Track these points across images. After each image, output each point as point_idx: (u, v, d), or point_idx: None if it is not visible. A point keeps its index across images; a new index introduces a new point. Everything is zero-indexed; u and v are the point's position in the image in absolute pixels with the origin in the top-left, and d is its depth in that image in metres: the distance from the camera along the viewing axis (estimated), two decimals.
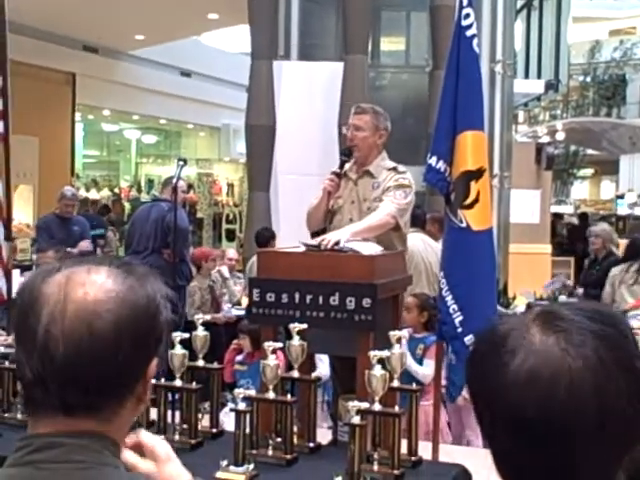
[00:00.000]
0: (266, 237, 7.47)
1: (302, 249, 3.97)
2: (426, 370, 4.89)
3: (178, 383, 3.51)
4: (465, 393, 4.76)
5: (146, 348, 1.17)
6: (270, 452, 3.30)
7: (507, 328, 1.08)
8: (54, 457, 1.10)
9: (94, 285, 1.13)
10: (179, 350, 3.46)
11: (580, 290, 8.02)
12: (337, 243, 3.79)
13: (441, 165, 3.99)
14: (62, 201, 8.55)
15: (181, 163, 6.38)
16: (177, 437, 3.48)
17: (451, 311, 3.94)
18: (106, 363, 1.11)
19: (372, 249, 3.86)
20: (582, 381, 1.01)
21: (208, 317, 3.97)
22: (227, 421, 3.74)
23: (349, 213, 4.47)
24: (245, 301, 7.36)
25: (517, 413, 1.03)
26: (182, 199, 7.50)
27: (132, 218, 8.26)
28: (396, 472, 3.07)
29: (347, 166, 4.55)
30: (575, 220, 17.61)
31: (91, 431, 1.13)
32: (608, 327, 1.06)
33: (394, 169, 4.47)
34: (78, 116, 18.88)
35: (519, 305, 8.10)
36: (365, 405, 3.03)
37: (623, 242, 8.10)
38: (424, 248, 6.26)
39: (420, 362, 5.02)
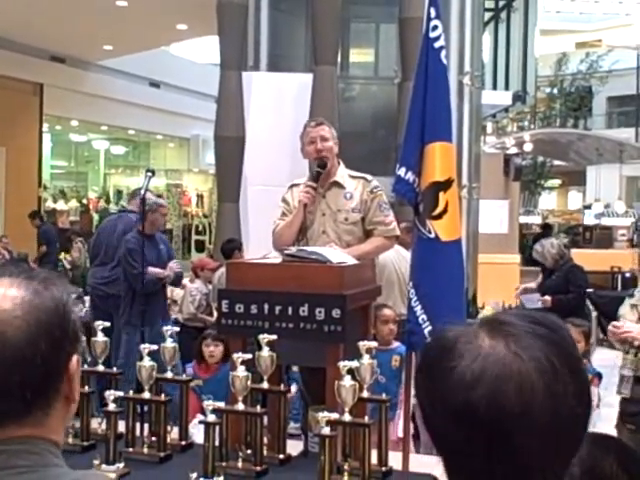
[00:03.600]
0: (230, 248, 7.45)
1: (273, 260, 3.97)
2: None
3: (146, 395, 3.49)
4: None
5: (62, 347, 1.17)
6: (240, 464, 3.28)
7: (455, 335, 1.10)
8: None
9: (1, 295, 1.15)
10: (147, 362, 3.43)
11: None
12: None
13: (410, 176, 4.00)
14: (157, 212, 6.87)
15: (149, 174, 6.34)
16: (146, 450, 3.45)
17: (420, 321, 3.94)
18: (24, 369, 1.12)
19: (341, 257, 3.87)
20: (533, 382, 1.02)
21: (177, 328, 3.93)
22: (196, 433, 3.71)
23: (321, 225, 4.49)
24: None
25: (467, 413, 1.03)
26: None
27: (98, 229, 8.18)
28: None
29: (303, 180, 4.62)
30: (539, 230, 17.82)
31: (28, 435, 1.14)
32: (552, 332, 1.08)
33: (363, 178, 4.58)
34: (46, 126, 18.74)
35: (487, 315, 8.14)
36: (335, 416, 3.02)
37: (587, 251, 8.18)
38: (397, 258, 6.26)
39: (396, 374, 5.00)
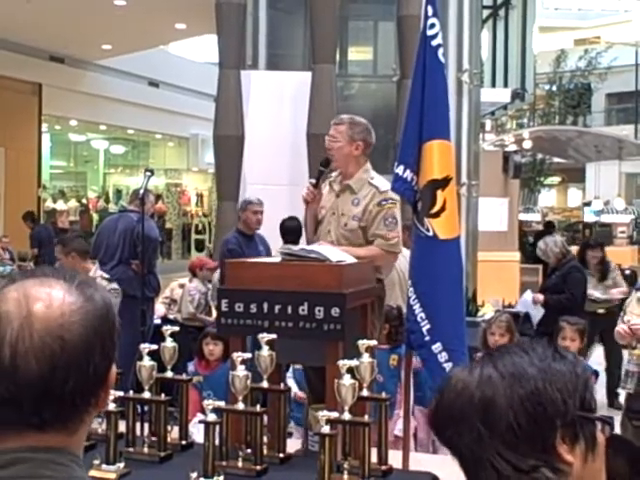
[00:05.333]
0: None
1: (273, 259, 3.98)
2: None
3: (147, 395, 3.49)
4: None
5: (109, 355, 1.17)
6: (240, 463, 3.28)
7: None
8: (20, 472, 1.08)
9: (56, 299, 1.12)
10: (147, 362, 3.44)
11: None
12: None
13: (408, 174, 4.01)
14: (247, 210, 6.78)
15: (148, 174, 6.34)
16: (146, 450, 3.45)
17: (419, 319, 3.95)
18: (78, 375, 1.11)
19: (339, 255, 3.87)
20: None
21: (176, 328, 3.93)
22: (196, 432, 3.71)
23: (328, 224, 4.54)
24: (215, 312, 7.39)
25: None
26: (151, 209, 7.44)
27: (98, 229, 8.18)
28: None
29: (333, 176, 4.61)
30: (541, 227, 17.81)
31: (56, 446, 1.12)
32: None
33: (376, 188, 4.45)
34: (45, 126, 18.76)
35: (487, 313, 8.14)
36: (335, 415, 3.03)
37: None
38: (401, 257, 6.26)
39: (394, 373, 4.99)
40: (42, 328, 1.09)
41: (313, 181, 4.55)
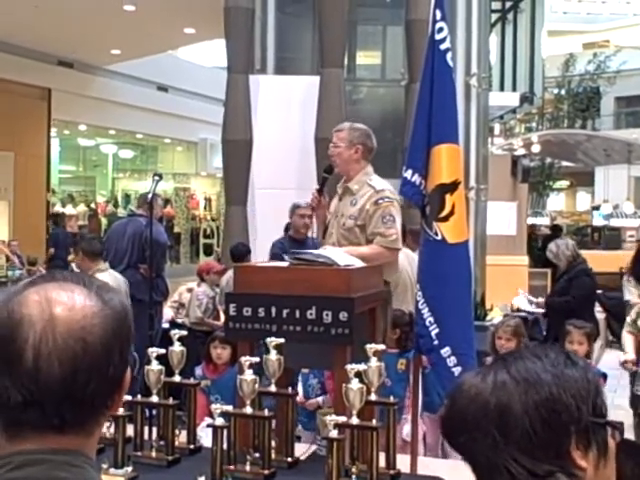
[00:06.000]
0: (242, 252, 7.46)
1: (281, 263, 3.99)
2: None
3: (155, 399, 3.49)
4: None
5: (126, 358, 1.19)
6: (248, 467, 3.28)
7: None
8: (36, 473, 1.09)
9: (77, 302, 1.14)
10: (155, 366, 3.44)
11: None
12: None
13: (416, 178, 4.01)
14: (295, 214, 6.71)
15: (157, 178, 6.35)
16: (154, 454, 3.45)
17: (427, 324, 3.94)
18: (99, 378, 1.13)
19: (348, 260, 3.87)
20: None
21: (184, 332, 3.93)
22: (204, 437, 3.71)
23: (332, 227, 4.67)
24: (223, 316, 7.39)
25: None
26: (160, 213, 7.45)
27: (107, 233, 8.21)
28: None
29: (341, 182, 4.74)
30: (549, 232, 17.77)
31: (72, 448, 1.13)
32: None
33: (373, 188, 4.56)
34: (54, 131, 18.81)
35: (495, 317, 8.12)
36: (343, 419, 3.02)
37: (595, 252, 8.14)
38: (409, 263, 6.28)
39: (402, 377, 4.98)
40: (65, 331, 1.11)
41: (319, 188, 4.72)
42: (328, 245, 4.50)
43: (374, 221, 4.50)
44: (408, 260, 6.30)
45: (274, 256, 6.40)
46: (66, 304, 1.13)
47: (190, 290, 7.96)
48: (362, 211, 4.52)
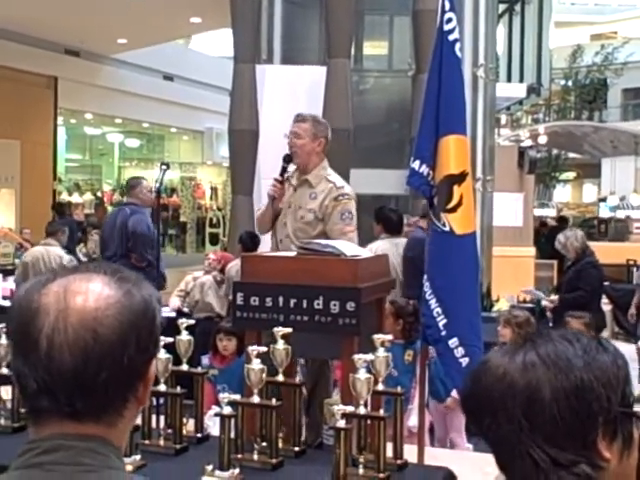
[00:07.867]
0: (254, 241, 7.44)
1: (289, 253, 3.99)
2: None
3: (162, 388, 3.50)
4: (455, 394, 4.75)
5: (147, 350, 1.19)
6: (255, 456, 3.29)
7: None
8: (62, 459, 1.12)
9: (93, 293, 1.16)
10: (163, 355, 3.45)
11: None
12: None
13: (424, 169, 4.01)
14: None
15: (164, 167, 6.36)
16: (162, 442, 3.47)
17: (435, 314, 3.95)
18: (112, 368, 1.14)
19: (354, 250, 3.88)
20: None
21: (192, 321, 3.94)
22: (212, 425, 3.73)
23: (284, 217, 4.70)
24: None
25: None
26: (148, 201, 7.32)
27: (103, 224, 8.25)
28: (382, 475, 3.07)
29: (290, 171, 4.76)
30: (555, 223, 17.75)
31: (97, 435, 1.15)
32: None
33: (334, 184, 4.62)
34: (60, 120, 18.80)
35: (502, 308, 8.12)
36: (350, 409, 3.03)
37: (602, 244, 8.14)
38: (394, 253, 6.33)
39: (409, 369, 4.98)
40: (76, 321, 1.13)
41: (279, 178, 4.70)
42: (282, 237, 4.61)
43: (333, 217, 4.56)
44: (397, 250, 6.38)
45: None
46: (82, 295, 1.15)
47: (196, 279, 7.95)
48: (322, 206, 4.57)
